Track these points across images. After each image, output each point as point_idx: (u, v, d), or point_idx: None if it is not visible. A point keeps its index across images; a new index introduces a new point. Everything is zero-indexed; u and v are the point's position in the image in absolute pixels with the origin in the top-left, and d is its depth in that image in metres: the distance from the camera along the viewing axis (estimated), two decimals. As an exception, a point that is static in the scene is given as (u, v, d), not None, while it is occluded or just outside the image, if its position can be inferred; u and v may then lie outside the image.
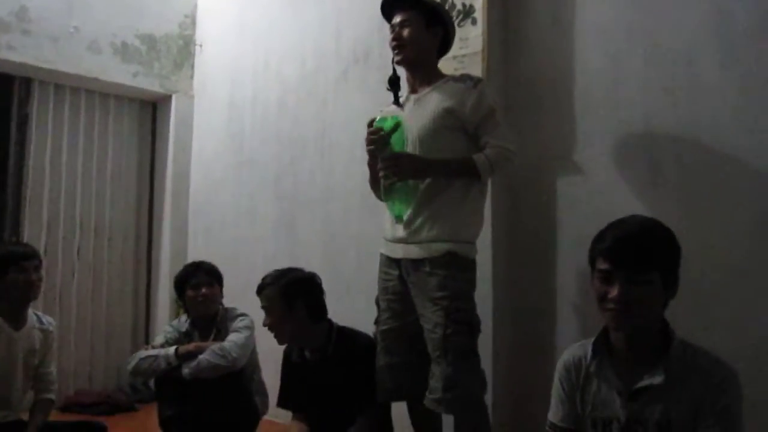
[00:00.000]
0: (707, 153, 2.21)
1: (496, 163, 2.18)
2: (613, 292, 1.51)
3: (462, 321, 2.13)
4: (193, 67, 4.64)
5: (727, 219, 2.15)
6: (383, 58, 3.23)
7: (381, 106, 3.18)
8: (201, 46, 4.61)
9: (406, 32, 2.26)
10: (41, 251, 4.09)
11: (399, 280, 2.29)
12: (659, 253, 1.51)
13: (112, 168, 4.51)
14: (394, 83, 2.33)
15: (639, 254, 1.50)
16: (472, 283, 2.24)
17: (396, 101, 2.32)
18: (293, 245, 3.69)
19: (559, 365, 1.73)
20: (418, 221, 2.21)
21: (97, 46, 4.20)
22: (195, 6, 4.65)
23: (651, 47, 2.36)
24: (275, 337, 2.51)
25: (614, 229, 1.55)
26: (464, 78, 2.29)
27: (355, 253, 3.28)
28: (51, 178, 4.22)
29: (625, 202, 2.35)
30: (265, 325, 2.49)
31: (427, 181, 2.20)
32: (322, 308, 2.54)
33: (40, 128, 4.19)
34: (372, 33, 3.33)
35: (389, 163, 2.17)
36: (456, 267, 2.17)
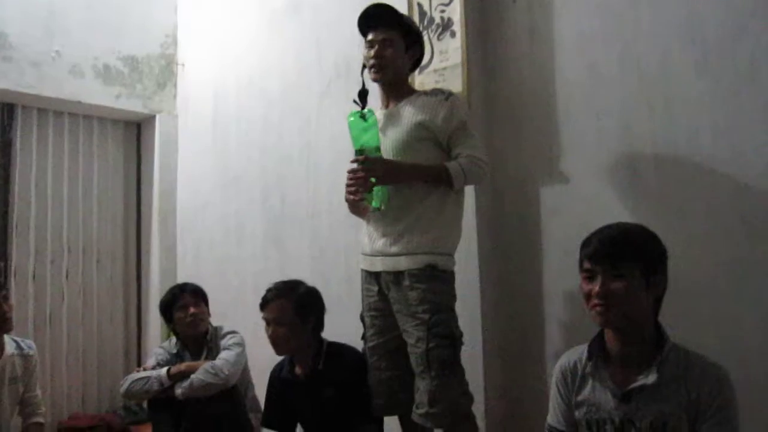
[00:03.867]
0: (685, 159, 2.24)
1: (468, 171, 2.20)
2: (596, 288, 1.59)
3: (444, 335, 2.13)
4: (175, 86, 4.65)
5: (706, 223, 2.18)
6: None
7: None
8: (183, 65, 4.62)
9: (388, 52, 2.28)
10: (30, 275, 4.12)
11: (379, 296, 2.31)
12: (638, 248, 1.60)
13: (98, 190, 4.51)
14: (363, 96, 2.34)
15: (617, 249, 1.59)
16: (452, 296, 2.24)
17: (363, 108, 2.32)
18: (282, 261, 3.70)
19: (556, 370, 1.78)
20: (397, 233, 2.22)
21: (79, 70, 4.21)
22: (175, 26, 4.67)
23: (627, 56, 2.40)
24: (277, 348, 2.50)
25: (598, 234, 1.65)
26: (436, 92, 2.31)
27: (344, 267, 3.30)
28: (37, 202, 4.22)
29: (607, 209, 2.38)
30: (270, 336, 2.48)
31: (404, 192, 2.21)
32: (323, 323, 2.56)
33: (24, 153, 4.19)
34: (353, 47, 3.35)
35: (363, 165, 2.16)
36: (436, 280, 2.17)
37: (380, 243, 2.26)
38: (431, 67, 2.80)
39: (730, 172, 2.14)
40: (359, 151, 2.20)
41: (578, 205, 2.50)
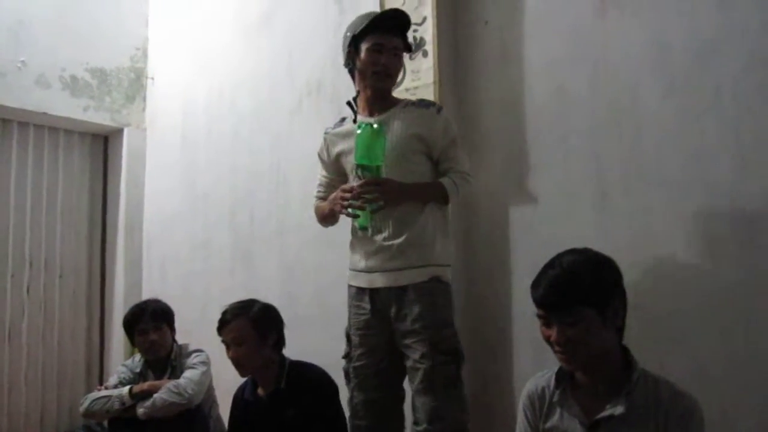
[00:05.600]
0: (652, 181, 2.27)
1: (461, 187, 2.25)
2: (554, 335, 1.57)
3: (448, 351, 2.11)
4: (145, 99, 4.60)
5: (674, 241, 2.21)
6: (336, 90, 3.27)
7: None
8: (153, 78, 4.58)
9: (398, 61, 2.30)
10: (-12, 290, 4.01)
11: (372, 313, 2.24)
12: (587, 288, 1.55)
13: (62, 203, 4.42)
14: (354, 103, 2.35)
15: (566, 295, 1.55)
16: (452, 309, 2.22)
17: (354, 119, 2.31)
18: (249, 278, 3.66)
19: (523, 395, 1.76)
20: (397, 247, 2.18)
21: (46, 81, 4.14)
22: (146, 39, 4.63)
23: (596, 79, 2.43)
24: (240, 369, 2.46)
25: (545, 275, 1.61)
26: (425, 103, 2.32)
27: (312, 285, 3.27)
28: (-2, 215, 4.12)
29: (576, 228, 2.40)
30: (232, 357, 2.44)
31: (401, 207, 2.19)
32: (284, 339, 2.53)
33: (-14, 165, 4.10)
34: (325, 64, 3.36)
35: (372, 189, 2.12)
36: (440, 293, 2.16)
37: (377, 258, 2.22)
38: (403, 86, 2.80)
39: (696, 194, 2.17)
40: (363, 167, 2.14)
41: (547, 225, 2.52)
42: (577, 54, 2.49)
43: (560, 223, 2.47)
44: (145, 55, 4.62)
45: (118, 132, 4.52)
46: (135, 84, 4.56)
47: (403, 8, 2.63)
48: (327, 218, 2.40)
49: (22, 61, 4.04)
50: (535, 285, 1.63)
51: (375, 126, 2.14)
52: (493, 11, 2.75)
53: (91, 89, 4.34)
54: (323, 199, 2.44)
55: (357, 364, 2.27)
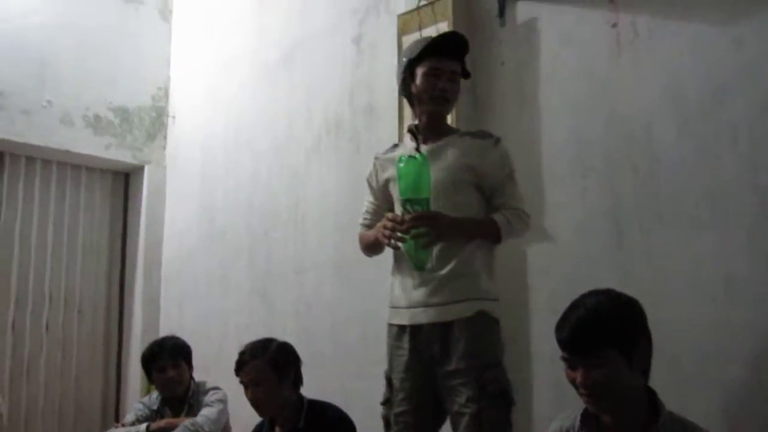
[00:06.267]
0: (668, 219, 2.27)
1: (515, 227, 2.11)
2: (579, 378, 1.55)
3: (497, 393, 1.96)
4: (165, 138, 4.67)
5: (689, 283, 2.20)
6: (354, 129, 3.32)
7: (353, 177, 3.24)
8: (174, 117, 4.66)
9: (456, 87, 2.18)
10: (8, 326, 4.04)
11: (411, 354, 2.07)
12: (612, 330, 1.53)
13: (83, 240, 4.47)
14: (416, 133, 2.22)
15: (590, 339, 1.53)
16: (502, 347, 2.08)
17: (417, 147, 2.15)
18: (267, 316, 3.67)
19: None
20: (439, 281, 2.04)
21: (70, 119, 4.22)
22: (168, 78, 4.72)
23: (612, 119, 2.45)
24: (259, 410, 2.45)
25: (569, 317, 1.58)
26: (483, 134, 2.21)
27: (329, 324, 3.27)
28: (20, 251, 4.17)
29: (593, 268, 2.39)
30: (250, 398, 2.42)
31: None
32: (301, 377, 2.52)
33: (10, 201, 4.17)
34: (343, 103, 3.41)
35: (425, 222, 1.98)
36: (487, 329, 2.03)
37: (419, 293, 2.06)
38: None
39: (713, 233, 2.17)
40: (411, 201, 2.02)
41: (565, 264, 2.51)
42: (593, 95, 2.52)
43: (577, 261, 2.47)
44: (166, 94, 4.71)
45: (139, 169, 4.58)
46: (156, 122, 4.64)
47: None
48: (371, 248, 2.26)
49: (48, 101, 4.13)
50: (559, 327, 1.60)
51: (418, 157, 2.05)
52: (509, 53, 2.78)
53: (114, 127, 4.42)
54: (369, 227, 2.29)
55: (398, 410, 2.10)
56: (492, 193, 2.15)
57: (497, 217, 2.09)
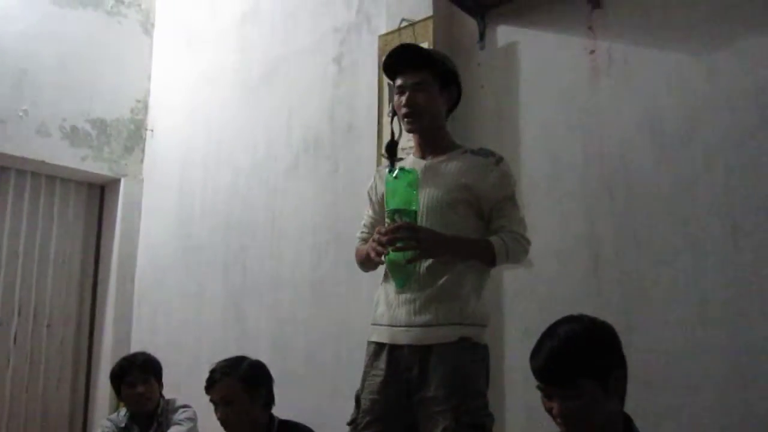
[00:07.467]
0: (644, 244, 2.30)
1: (512, 250, 1.97)
2: (555, 409, 1.52)
3: (473, 424, 1.84)
4: (143, 151, 4.64)
5: (666, 307, 2.22)
6: (333, 147, 3.32)
7: (331, 195, 3.23)
8: (152, 130, 4.63)
9: (420, 97, 2.00)
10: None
11: (386, 376, 1.94)
12: (586, 362, 1.51)
13: (55, 252, 4.41)
14: (391, 150, 2.10)
15: (565, 371, 1.50)
16: (486, 377, 1.96)
17: (391, 170, 1.98)
18: (241, 332, 3.63)
19: None
20: (423, 300, 1.92)
21: (46, 130, 4.18)
22: (147, 91, 4.70)
23: (589, 144, 2.48)
24: (228, 429, 2.39)
25: (541, 347, 1.55)
26: (484, 152, 2.07)
27: (303, 341, 3.24)
28: (-10, 262, 4.10)
29: (568, 292, 2.41)
30: (220, 418, 2.37)
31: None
32: (273, 397, 2.48)
33: (-19, 211, 4.10)
34: (323, 122, 3.42)
35: (406, 234, 1.86)
36: (469, 357, 1.90)
37: (402, 312, 1.94)
38: (400, 146, 2.83)
39: (687, 258, 2.20)
40: (399, 212, 1.91)
41: (540, 287, 2.52)
42: (570, 120, 2.55)
43: (553, 285, 2.48)
44: (145, 107, 4.68)
45: (115, 182, 4.54)
46: (134, 135, 4.61)
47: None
48: (366, 263, 2.12)
49: (24, 110, 4.09)
50: (533, 357, 1.56)
51: (406, 170, 1.94)
52: (488, 76, 2.81)
53: (91, 139, 4.39)
54: (365, 240, 2.16)
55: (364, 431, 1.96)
56: (491, 214, 2.03)
57: (493, 238, 1.97)
